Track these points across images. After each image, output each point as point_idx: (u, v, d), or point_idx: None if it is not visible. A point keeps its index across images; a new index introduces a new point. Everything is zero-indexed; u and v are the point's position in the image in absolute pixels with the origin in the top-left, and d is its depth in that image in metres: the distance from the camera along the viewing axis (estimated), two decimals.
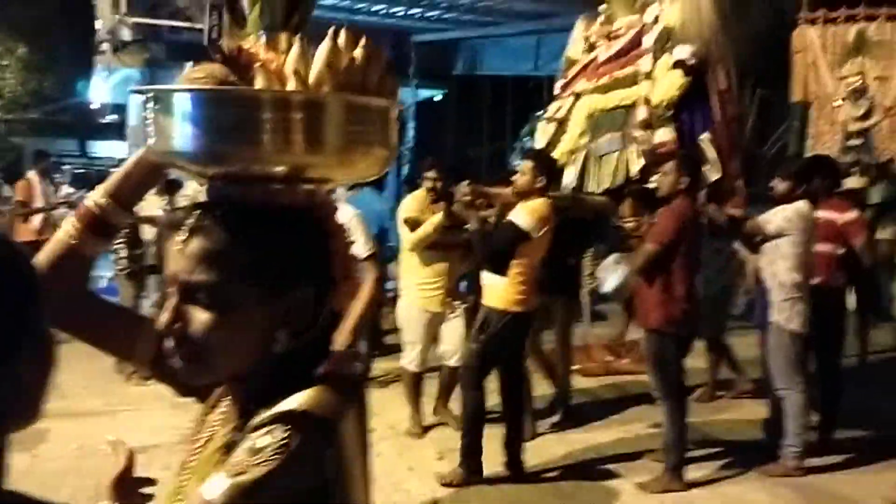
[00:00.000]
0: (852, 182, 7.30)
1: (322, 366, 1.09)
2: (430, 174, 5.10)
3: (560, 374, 5.59)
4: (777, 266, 4.53)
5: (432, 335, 5.14)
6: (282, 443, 0.92)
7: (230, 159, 1.04)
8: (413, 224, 5.00)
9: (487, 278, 4.44)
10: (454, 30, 12.39)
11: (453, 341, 5.09)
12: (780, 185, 4.67)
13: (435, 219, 4.92)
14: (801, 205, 4.55)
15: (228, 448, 1.02)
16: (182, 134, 1.04)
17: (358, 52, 1.09)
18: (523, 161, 4.51)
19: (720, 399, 5.90)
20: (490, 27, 11.98)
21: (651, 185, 4.85)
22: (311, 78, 1.05)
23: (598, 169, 5.35)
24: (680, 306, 4.32)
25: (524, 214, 4.26)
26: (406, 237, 5.05)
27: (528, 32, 11.50)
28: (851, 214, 5.01)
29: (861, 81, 7.75)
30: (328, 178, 1.13)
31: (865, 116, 7.65)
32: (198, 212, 1.03)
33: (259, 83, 1.06)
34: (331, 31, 1.08)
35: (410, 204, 5.19)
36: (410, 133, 13.07)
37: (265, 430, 0.94)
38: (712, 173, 5.08)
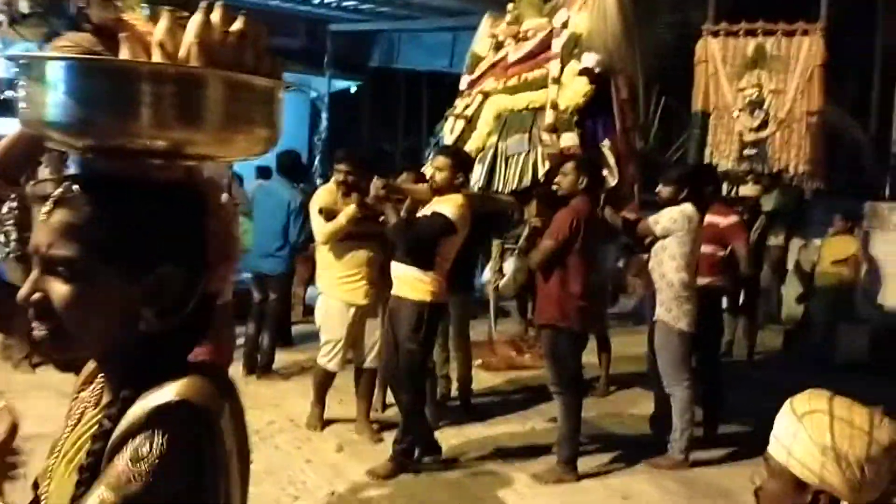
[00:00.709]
0: (747, 190, 7.64)
1: (196, 351, 1.08)
2: (342, 166, 5.03)
3: (460, 369, 5.67)
4: (665, 266, 4.70)
5: (356, 332, 5.02)
6: (161, 449, 0.92)
7: (100, 132, 1.01)
8: (327, 214, 4.93)
9: (401, 270, 4.43)
10: (371, 21, 12.28)
11: (371, 340, 5.06)
12: (663, 190, 4.83)
13: (348, 210, 4.87)
14: (687, 206, 4.73)
15: (98, 438, 1.00)
16: (51, 103, 1.01)
17: (233, 29, 1.07)
18: (440, 157, 4.53)
19: (613, 394, 6.09)
20: (407, 20, 11.93)
21: (556, 188, 4.97)
22: (181, 52, 1.03)
23: (506, 169, 5.42)
24: (576, 302, 4.45)
25: (451, 208, 4.29)
26: (319, 229, 4.97)
27: (445, 28, 11.52)
28: (732, 218, 5.36)
29: (758, 94, 8.10)
30: (208, 155, 1.11)
31: (760, 128, 7.99)
32: (65, 184, 1.01)
33: (123, 54, 1.04)
34: (203, 5, 1.06)
35: (323, 195, 5.11)
36: (324, 124, 12.91)
37: (143, 435, 0.93)
38: (610, 179, 5.23)
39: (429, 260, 4.32)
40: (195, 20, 1.04)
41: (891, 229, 8.05)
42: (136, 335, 1.03)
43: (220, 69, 1.04)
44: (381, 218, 5.03)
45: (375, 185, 4.55)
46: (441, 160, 4.47)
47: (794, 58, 7.85)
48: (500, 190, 5.45)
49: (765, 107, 8.00)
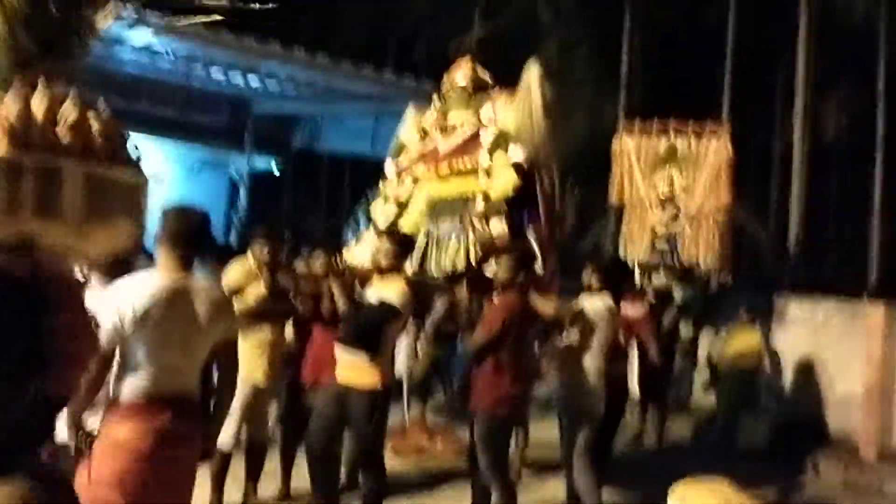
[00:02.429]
0: (658, 281, 7.88)
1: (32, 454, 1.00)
2: (262, 243, 4.96)
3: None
4: (588, 355, 4.90)
5: (250, 411, 4.87)
6: None
7: None
8: (235, 293, 4.83)
9: (350, 355, 4.38)
10: (294, 102, 12.41)
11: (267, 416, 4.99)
12: (593, 279, 5.07)
13: (258, 290, 4.81)
14: (609, 298, 5.01)
15: None
16: None
17: (68, 113, 1.05)
18: (385, 241, 4.59)
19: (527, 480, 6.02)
20: (330, 104, 12.11)
21: (487, 273, 5.10)
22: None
23: (438, 254, 5.52)
24: (510, 390, 4.55)
25: (395, 294, 4.33)
26: None
27: (367, 114, 11.74)
28: (641, 310, 5.58)
29: (669, 190, 8.47)
30: (68, 248, 1.06)
31: (671, 222, 8.36)
32: None
33: None
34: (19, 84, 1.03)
35: (234, 272, 5.01)
36: (243, 202, 12.81)
37: None
38: (536, 266, 5.38)
39: (376, 345, 4.31)
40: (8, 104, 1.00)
41: (789, 322, 8.38)
42: None
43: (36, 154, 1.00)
44: (291, 295, 5.00)
45: (330, 261, 4.54)
46: (386, 245, 4.52)
47: (704, 156, 8.30)
48: (432, 273, 5.53)
49: (676, 202, 8.37)
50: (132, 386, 2.90)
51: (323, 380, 4.83)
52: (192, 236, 3.10)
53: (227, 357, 3.17)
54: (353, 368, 4.38)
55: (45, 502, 0.98)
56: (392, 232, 5.25)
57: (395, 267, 4.46)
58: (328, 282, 4.98)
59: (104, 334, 2.83)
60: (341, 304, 4.55)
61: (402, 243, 4.63)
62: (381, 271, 4.45)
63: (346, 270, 4.98)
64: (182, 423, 2.91)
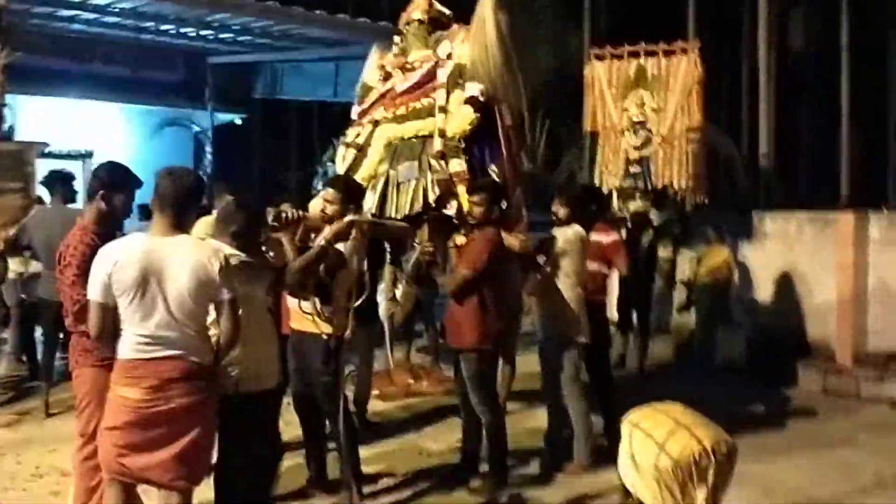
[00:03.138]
0: (634, 206, 7.87)
1: None
2: (225, 196, 4.94)
3: (359, 390, 5.77)
4: (562, 283, 4.94)
5: None
6: None
7: None
8: None
9: (300, 305, 4.32)
10: (251, 52, 12.10)
11: None
12: (560, 210, 5.11)
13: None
14: (577, 227, 5.08)
15: None
16: None
17: None
18: (330, 189, 4.53)
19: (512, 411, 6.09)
20: (287, 51, 11.83)
21: (447, 212, 5.06)
22: None
23: (398, 195, 5.46)
24: (494, 325, 4.59)
25: (344, 244, 4.27)
26: None
27: (327, 59, 11.48)
28: (613, 236, 5.62)
29: (640, 113, 8.40)
30: None
31: (644, 145, 8.30)
32: None
33: None
34: None
35: (201, 227, 4.94)
36: (207, 158, 12.59)
37: None
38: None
39: (326, 294, 4.25)
40: None
41: (764, 238, 8.44)
42: None
43: None
44: (263, 248, 4.93)
45: (277, 213, 4.46)
46: (331, 192, 4.47)
47: (674, 77, 8.19)
48: (391, 216, 5.46)
49: (647, 125, 8.31)
50: (125, 344, 3.12)
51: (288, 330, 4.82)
52: (181, 198, 3.19)
53: (224, 318, 3.19)
54: (304, 318, 4.32)
55: None
56: (336, 179, 5.16)
57: (342, 215, 4.36)
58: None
59: (95, 294, 3.10)
60: (289, 254, 4.46)
61: (348, 190, 4.54)
62: (330, 221, 4.38)
63: (298, 221, 4.83)
64: (178, 382, 3.07)
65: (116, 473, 3.15)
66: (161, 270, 3.07)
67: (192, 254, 3.12)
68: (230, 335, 3.20)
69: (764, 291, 8.35)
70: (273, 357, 3.89)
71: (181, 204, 3.18)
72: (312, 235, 4.52)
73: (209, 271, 3.11)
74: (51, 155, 9.56)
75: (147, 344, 3.08)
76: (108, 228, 3.67)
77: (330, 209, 4.40)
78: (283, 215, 4.40)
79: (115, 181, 3.70)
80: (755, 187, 11.02)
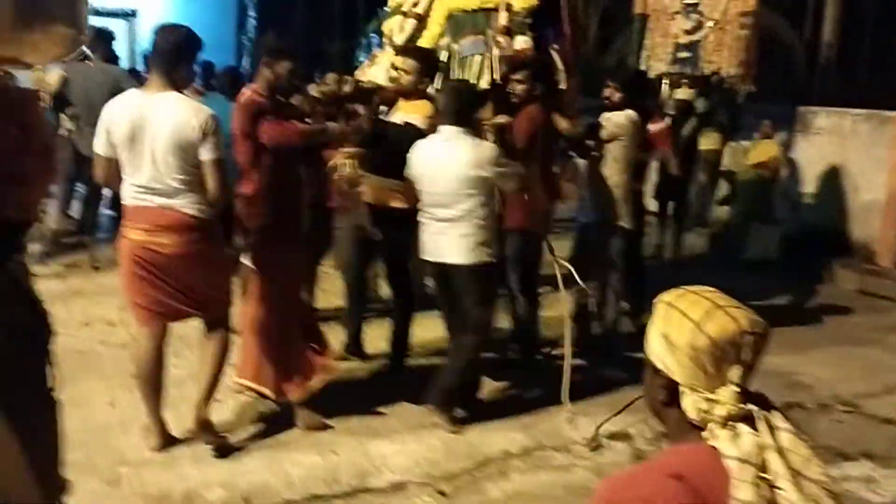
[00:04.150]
0: (681, 93, 7.63)
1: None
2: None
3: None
4: (609, 169, 4.89)
5: None
6: None
7: None
8: None
9: (374, 180, 4.31)
10: None
11: None
12: (615, 95, 5.02)
13: None
14: (631, 112, 4.96)
15: None
16: None
17: None
18: (408, 59, 4.41)
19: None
20: None
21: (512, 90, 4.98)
22: None
23: (462, 71, 5.33)
24: (539, 206, 4.57)
25: (421, 118, 4.24)
26: None
27: None
28: (661, 125, 5.47)
29: None
30: (6, 57, 1.02)
31: (695, 30, 7.95)
32: None
33: None
34: None
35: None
36: (251, 23, 12.37)
37: None
38: (560, 83, 5.21)
39: (401, 173, 4.19)
40: None
41: (816, 133, 8.19)
42: None
43: None
44: (307, 120, 4.92)
45: (344, 81, 4.44)
46: (409, 62, 4.36)
47: None
48: None
49: (700, 8, 7.93)
50: (125, 192, 3.37)
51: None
52: (170, 55, 3.29)
53: (207, 177, 3.32)
54: (381, 191, 4.33)
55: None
56: (414, 48, 5.02)
57: (417, 88, 4.33)
58: (348, 104, 4.86)
59: (98, 147, 3.35)
60: (365, 125, 4.44)
61: (425, 59, 4.45)
62: (405, 94, 4.33)
63: (371, 91, 4.82)
64: (168, 231, 3.31)
65: (141, 316, 3.49)
66: (147, 126, 3.24)
67: (174, 112, 3.25)
68: (213, 194, 3.32)
69: (811, 188, 8.17)
70: None
71: (170, 60, 3.27)
72: (384, 108, 4.49)
73: (188, 131, 3.22)
74: (95, 12, 9.48)
75: (140, 193, 3.31)
76: (275, 95, 3.73)
77: (405, 80, 4.33)
78: (361, 86, 4.39)
79: (274, 49, 3.73)
80: (813, 79, 10.58)
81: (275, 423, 3.94)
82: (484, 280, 3.93)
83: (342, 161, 4.13)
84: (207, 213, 3.38)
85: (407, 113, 4.34)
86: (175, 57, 3.30)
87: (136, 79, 6.39)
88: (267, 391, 3.86)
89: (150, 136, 3.23)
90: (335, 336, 4.83)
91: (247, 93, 3.73)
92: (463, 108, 3.91)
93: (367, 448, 3.75)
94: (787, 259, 7.54)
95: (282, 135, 3.66)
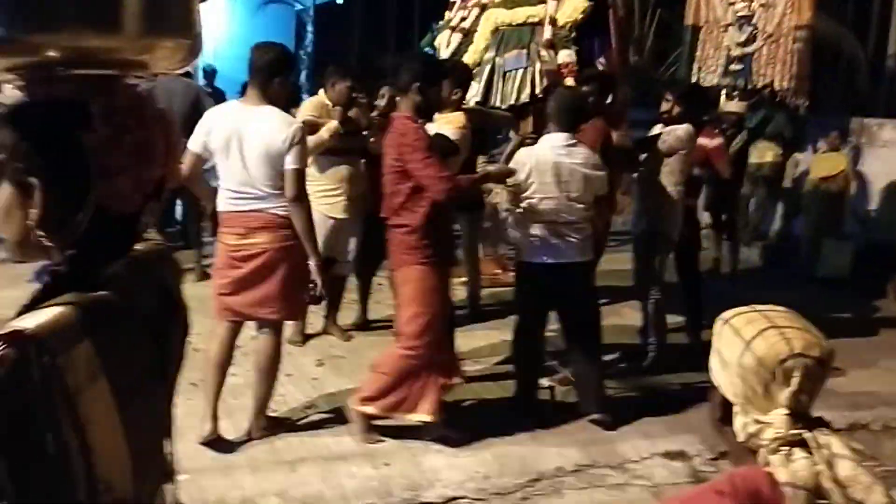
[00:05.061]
0: (732, 106, 7.51)
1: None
2: (345, 81, 4.97)
3: (471, 284, 5.95)
4: (665, 181, 4.88)
5: (333, 244, 5.02)
6: None
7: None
8: (310, 128, 4.89)
9: None
10: None
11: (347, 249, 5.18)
12: (674, 108, 4.97)
13: (330, 124, 4.89)
14: (689, 126, 4.93)
15: None
16: None
17: None
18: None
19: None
20: None
21: None
22: None
23: (504, 84, 5.37)
24: (603, 217, 4.69)
25: (452, 129, 4.35)
26: None
27: None
28: (717, 141, 5.45)
29: (748, 7, 7.88)
30: (127, 63, 1.08)
31: (748, 42, 7.81)
32: None
33: None
34: None
35: (307, 108, 5.08)
36: (309, 38, 12.59)
37: None
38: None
39: None
40: None
41: (880, 146, 7.97)
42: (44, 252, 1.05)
43: None
44: (365, 132, 5.04)
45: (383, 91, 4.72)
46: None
47: None
48: (497, 105, 5.41)
49: (754, 21, 7.79)
50: (220, 198, 3.66)
51: None
52: (265, 70, 3.60)
53: (286, 184, 3.57)
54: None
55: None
56: (444, 62, 5.10)
57: (449, 100, 4.40)
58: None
59: (193, 146, 3.63)
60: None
61: (455, 75, 4.54)
62: (441, 107, 4.36)
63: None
64: (260, 230, 3.58)
65: (222, 310, 3.69)
66: (242, 136, 3.52)
67: (268, 124, 3.53)
68: (290, 200, 3.57)
69: (877, 202, 7.94)
70: None
71: (265, 76, 3.59)
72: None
73: (278, 143, 3.51)
74: None
75: (234, 198, 3.59)
76: (423, 117, 3.84)
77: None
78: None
79: (429, 74, 3.82)
80: (878, 90, 10.29)
81: (330, 433, 3.98)
82: (593, 277, 4.32)
83: (505, 194, 4.23)
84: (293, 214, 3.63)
85: (441, 125, 4.40)
86: (270, 72, 3.60)
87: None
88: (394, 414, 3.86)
89: (244, 146, 3.52)
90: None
91: (409, 125, 3.68)
92: (574, 115, 4.09)
93: (420, 461, 3.75)
94: (858, 276, 7.33)
95: (453, 190, 3.65)
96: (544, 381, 4.54)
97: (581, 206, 4.08)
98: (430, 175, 3.59)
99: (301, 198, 3.61)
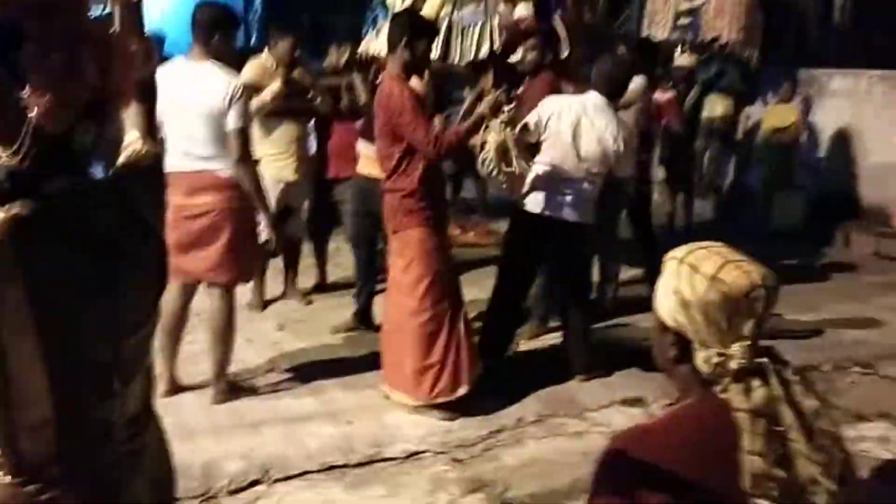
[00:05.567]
0: (683, 60, 7.55)
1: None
2: (286, 42, 4.90)
3: None
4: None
5: (283, 206, 4.98)
6: None
7: None
8: (252, 91, 4.80)
9: (367, 148, 4.44)
10: None
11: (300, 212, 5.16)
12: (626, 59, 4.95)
13: (273, 85, 4.79)
14: (643, 78, 4.94)
15: None
16: None
17: None
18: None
19: None
20: None
21: (512, 60, 4.94)
22: None
23: (462, 40, 5.30)
24: None
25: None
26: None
27: None
28: (668, 94, 5.45)
29: None
30: None
31: None
32: None
33: None
34: None
35: (250, 69, 4.97)
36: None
37: None
38: (563, 51, 5.18)
39: None
40: None
41: (831, 96, 8.09)
42: None
43: None
44: (311, 95, 4.97)
45: (336, 52, 4.64)
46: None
47: None
48: (456, 62, 5.35)
49: None
50: (168, 157, 3.35)
51: (345, 174, 4.92)
52: (207, 28, 3.56)
53: (230, 145, 3.54)
54: (370, 160, 4.37)
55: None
56: (401, 15, 5.01)
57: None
58: (349, 76, 4.91)
59: None
60: (362, 97, 4.51)
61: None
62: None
63: (368, 62, 4.86)
64: (204, 191, 3.54)
65: (172, 271, 3.52)
66: (184, 95, 3.43)
67: (208, 82, 3.48)
68: (234, 161, 3.53)
69: (828, 152, 8.08)
70: None
71: (206, 32, 3.53)
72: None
73: (218, 101, 3.46)
74: None
75: (177, 159, 3.37)
76: (413, 74, 3.77)
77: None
78: (359, 56, 4.40)
79: (417, 30, 3.73)
80: (827, 42, 10.42)
81: (291, 395, 3.98)
82: (588, 240, 4.31)
83: (497, 127, 4.02)
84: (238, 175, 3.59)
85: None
86: (210, 29, 3.56)
87: None
88: (408, 399, 3.80)
89: (186, 104, 3.45)
90: (346, 309, 4.87)
91: (396, 86, 3.60)
92: (613, 83, 4.09)
93: (383, 418, 3.78)
94: (810, 226, 7.48)
95: (445, 150, 3.61)
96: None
97: (586, 166, 4.03)
98: (419, 138, 3.55)
99: (245, 159, 3.58)
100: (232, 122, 3.51)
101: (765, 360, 1.34)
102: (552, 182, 4.04)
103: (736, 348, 1.34)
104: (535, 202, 4.08)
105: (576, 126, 3.98)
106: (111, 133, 1.30)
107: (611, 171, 4.86)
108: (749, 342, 1.34)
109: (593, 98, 4.05)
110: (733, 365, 1.34)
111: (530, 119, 4.06)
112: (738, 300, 1.34)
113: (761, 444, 1.29)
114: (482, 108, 3.77)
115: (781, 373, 1.34)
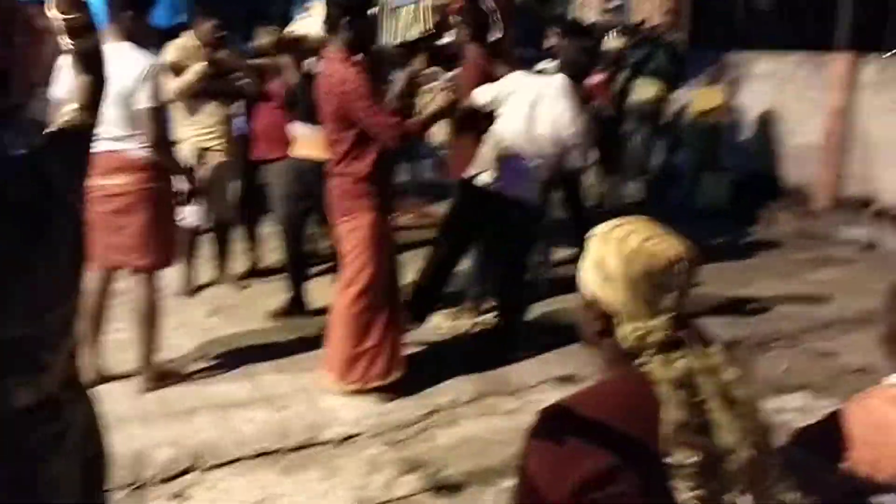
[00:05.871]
0: (612, 43, 7.65)
1: None
2: (201, 19, 4.84)
3: None
4: None
5: (214, 188, 4.91)
6: None
7: None
8: (176, 71, 4.72)
9: (304, 130, 4.41)
10: None
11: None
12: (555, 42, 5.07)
13: (197, 66, 4.71)
14: None
15: None
16: None
17: None
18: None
19: None
20: None
21: (444, 41, 4.93)
22: None
23: (393, 21, 5.26)
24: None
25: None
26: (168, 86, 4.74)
27: None
28: (599, 77, 5.51)
29: None
30: None
31: None
32: None
33: None
34: None
35: (173, 50, 4.86)
36: None
37: None
38: (495, 32, 5.18)
39: None
40: None
41: (755, 78, 8.30)
42: None
43: None
44: (235, 75, 4.90)
45: (268, 34, 4.59)
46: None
47: None
48: (387, 43, 5.31)
49: None
50: None
51: (273, 155, 4.84)
52: (119, 4, 3.46)
53: (146, 125, 3.48)
54: (307, 142, 4.32)
55: None
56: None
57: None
58: (277, 58, 4.84)
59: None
60: (292, 78, 4.45)
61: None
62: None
63: (296, 43, 4.79)
64: (119, 172, 3.48)
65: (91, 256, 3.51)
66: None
67: (124, 62, 3.38)
68: (150, 141, 3.49)
69: (753, 134, 8.31)
70: None
71: (116, 10, 3.46)
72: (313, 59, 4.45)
73: (128, 82, 3.39)
74: None
75: (96, 139, 3.30)
76: (357, 52, 3.60)
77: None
78: (285, 38, 4.34)
79: (358, 6, 3.60)
80: (752, 26, 10.68)
81: (225, 381, 3.92)
82: (532, 221, 4.29)
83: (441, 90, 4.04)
84: (152, 156, 3.53)
85: None
86: (120, 7, 3.46)
87: None
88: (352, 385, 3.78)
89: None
90: (281, 293, 4.81)
91: (348, 71, 3.48)
92: (576, 66, 4.09)
93: (318, 402, 3.75)
94: (735, 206, 7.69)
95: (405, 136, 3.55)
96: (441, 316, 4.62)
97: (538, 147, 4.03)
98: (378, 123, 3.47)
99: (161, 139, 3.53)
100: (144, 101, 3.44)
101: (687, 331, 1.38)
102: (502, 158, 4.06)
103: (658, 321, 1.37)
104: (482, 176, 4.11)
105: (534, 106, 3.99)
106: (29, 107, 1.27)
107: (560, 160, 4.94)
108: (672, 315, 1.37)
109: (558, 81, 4.06)
110: (656, 337, 1.37)
111: (488, 93, 4.08)
112: (660, 273, 1.36)
113: (682, 413, 1.32)
114: (439, 101, 3.79)
115: (703, 345, 1.38)
